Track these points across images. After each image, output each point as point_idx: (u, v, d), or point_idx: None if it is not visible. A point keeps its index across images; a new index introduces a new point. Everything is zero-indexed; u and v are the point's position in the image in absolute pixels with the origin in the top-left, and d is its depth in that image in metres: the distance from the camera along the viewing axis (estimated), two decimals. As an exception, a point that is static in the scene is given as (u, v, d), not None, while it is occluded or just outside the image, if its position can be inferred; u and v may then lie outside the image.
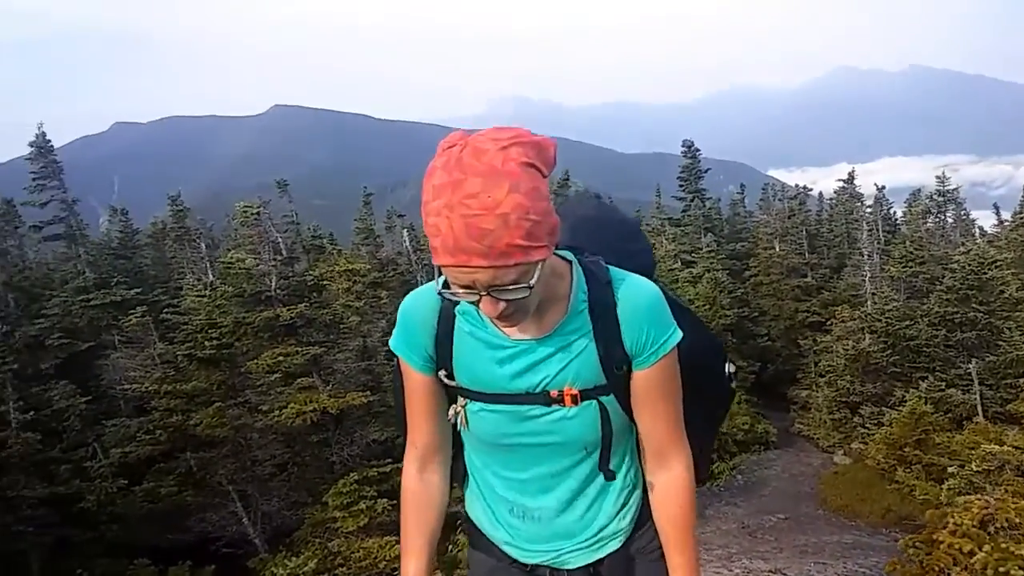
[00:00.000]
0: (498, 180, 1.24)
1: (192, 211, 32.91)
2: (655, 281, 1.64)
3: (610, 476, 1.69)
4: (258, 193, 23.40)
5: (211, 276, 23.69)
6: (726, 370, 1.90)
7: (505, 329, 1.54)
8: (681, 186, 35.52)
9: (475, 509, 1.85)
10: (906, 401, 18.38)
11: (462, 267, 1.30)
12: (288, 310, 16.35)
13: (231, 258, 17.89)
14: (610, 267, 1.56)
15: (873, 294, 24.82)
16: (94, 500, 15.06)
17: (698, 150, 34.91)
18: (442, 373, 1.62)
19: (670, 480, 1.65)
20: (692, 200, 35.21)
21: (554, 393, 1.55)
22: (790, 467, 21.04)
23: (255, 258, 17.25)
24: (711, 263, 28.89)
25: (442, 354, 1.61)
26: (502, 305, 1.37)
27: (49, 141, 23.27)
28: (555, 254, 1.53)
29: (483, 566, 1.86)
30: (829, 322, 26.52)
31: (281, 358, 16.63)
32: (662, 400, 1.59)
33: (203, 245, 26.13)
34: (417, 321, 1.62)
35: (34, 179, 23.27)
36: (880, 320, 22.26)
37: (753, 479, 19.81)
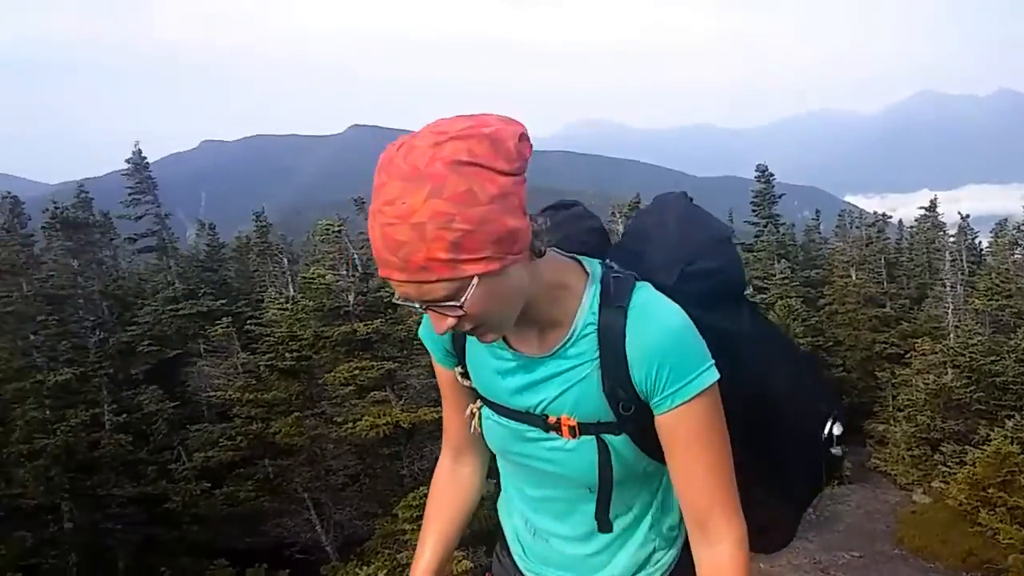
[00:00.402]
0: (418, 184, 1.05)
1: (274, 226, 34.11)
2: (739, 302, 1.44)
3: (605, 527, 1.47)
4: (336, 210, 24.18)
5: (292, 290, 24.50)
6: (825, 430, 1.52)
7: (510, 339, 1.38)
8: (754, 211, 35.08)
9: (501, 513, 1.72)
10: (990, 440, 17.72)
11: (389, 279, 1.14)
12: (364, 325, 16.85)
13: (312, 273, 18.56)
14: (639, 286, 1.31)
15: (956, 327, 24.01)
16: (179, 501, 15.73)
17: (772, 174, 34.46)
18: (458, 370, 1.49)
19: (713, 559, 1.34)
20: (765, 226, 34.72)
21: (552, 420, 1.37)
22: (865, 503, 20.48)
23: (334, 274, 17.87)
24: (784, 290, 28.44)
25: (458, 351, 1.47)
26: (449, 321, 1.18)
27: (144, 157, 24.56)
28: (578, 262, 1.35)
29: (500, 571, 1.73)
30: (908, 354, 25.73)
31: (357, 372, 17.13)
32: (691, 458, 1.30)
33: (285, 260, 27.07)
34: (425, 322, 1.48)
35: (130, 194, 24.55)
36: (964, 355, 21.53)
37: (826, 514, 19.35)
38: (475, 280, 1.11)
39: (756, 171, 34.70)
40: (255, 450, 17.69)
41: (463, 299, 1.12)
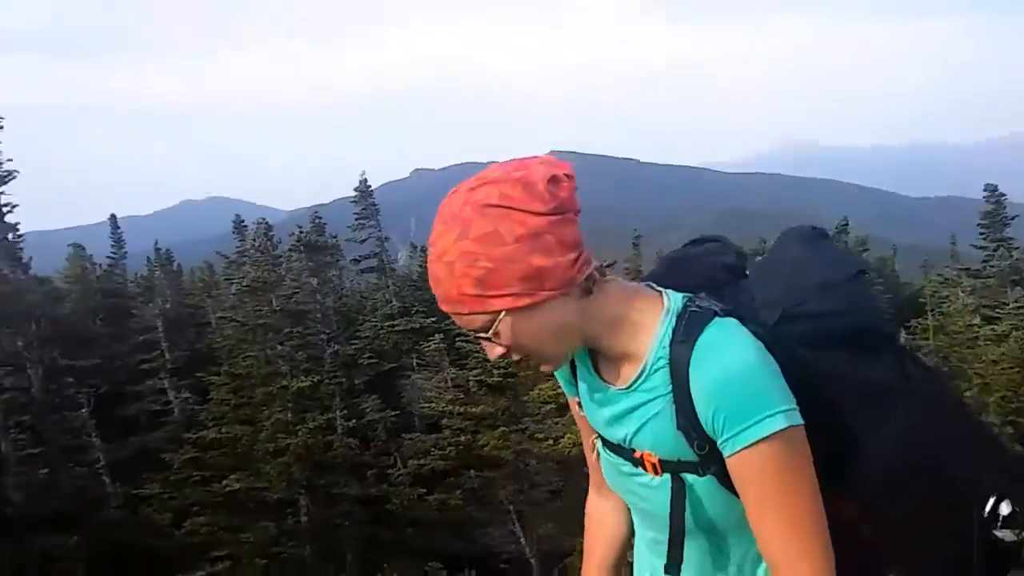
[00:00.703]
0: (451, 226, 1.16)
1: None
2: (872, 348, 1.30)
3: (673, 572, 1.36)
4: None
5: (498, 309, 25.59)
6: (987, 507, 1.28)
7: (601, 370, 1.38)
8: (982, 234, 32.02)
9: (635, 554, 1.62)
10: None
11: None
12: (570, 344, 17.29)
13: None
14: (716, 322, 1.24)
15: None
16: (399, 504, 16.91)
17: (1003, 194, 31.38)
18: (577, 399, 1.45)
19: None
20: (996, 249, 31.58)
21: (637, 454, 1.33)
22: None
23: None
24: (1020, 320, 25.73)
25: (576, 379, 1.45)
26: (498, 350, 1.23)
27: (369, 186, 26.84)
28: (661, 295, 1.31)
29: None
30: None
31: (557, 391, 17.62)
32: (759, 505, 1.22)
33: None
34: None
35: (356, 218, 26.90)
36: None
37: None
38: (503, 314, 1.18)
39: (985, 191, 31.78)
40: (463, 461, 18.62)
41: (491, 331, 1.19)
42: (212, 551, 15.30)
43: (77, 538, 14.27)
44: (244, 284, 19.95)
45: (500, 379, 18.82)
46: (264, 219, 24.00)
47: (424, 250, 34.52)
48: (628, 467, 1.36)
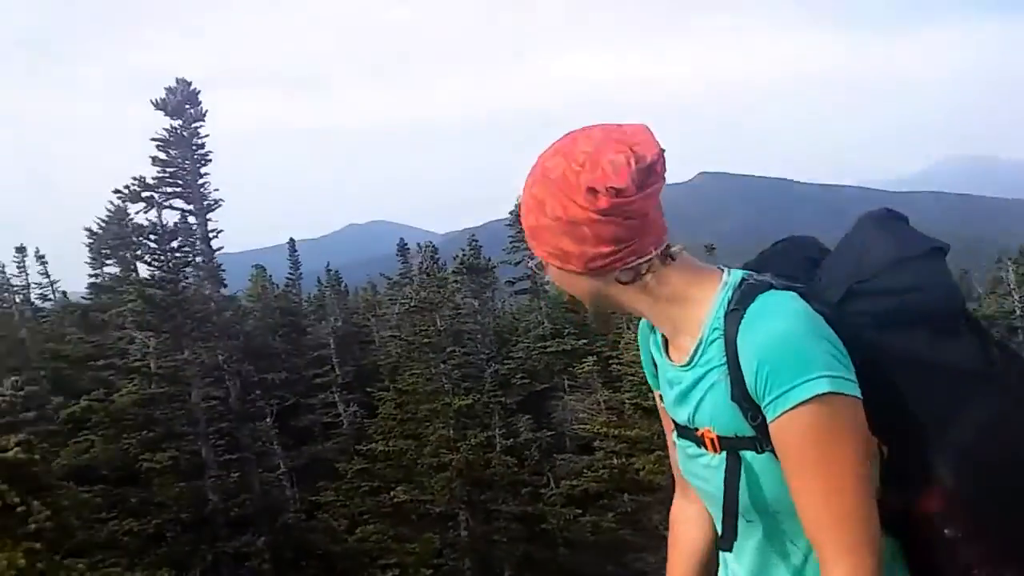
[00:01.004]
0: (530, 174, 1.27)
1: (628, 272, 35.69)
2: (951, 331, 1.23)
3: (727, 546, 1.32)
4: (687, 254, 24.74)
5: (649, 332, 25.53)
6: None
7: (670, 350, 1.37)
8: None
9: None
10: None
11: None
12: (719, 371, 17.08)
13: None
14: (769, 293, 1.23)
15: None
16: (554, 523, 17.21)
17: None
18: (658, 392, 1.42)
19: None
20: None
21: (699, 432, 1.30)
22: None
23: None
24: None
25: (655, 369, 1.42)
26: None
27: (524, 209, 27.57)
28: (721, 272, 1.30)
29: None
30: None
31: (716, 416, 17.41)
32: (799, 475, 1.18)
33: (644, 303, 28.34)
34: (644, 328, 1.43)
35: (511, 241, 27.70)
36: None
37: None
38: (544, 260, 1.28)
39: None
40: (616, 483, 18.66)
41: (544, 269, 1.30)
42: (381, 559, 16.18)
43: (263, 539, 15.52)
44: (411, 304, 21.05)
45: (656, 403, 18.77)
46: (430, 243, 25.32)
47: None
48: (693, 448, 1.33)
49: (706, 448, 1.28)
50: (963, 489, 1.18)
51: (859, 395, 1.15)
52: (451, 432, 17.19)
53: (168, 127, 17.97)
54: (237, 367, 17.35)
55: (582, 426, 20.52)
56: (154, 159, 18.01)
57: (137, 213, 18.82)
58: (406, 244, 35.45)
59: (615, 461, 18.49)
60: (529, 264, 1.39)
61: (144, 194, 17.85)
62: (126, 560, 13.40)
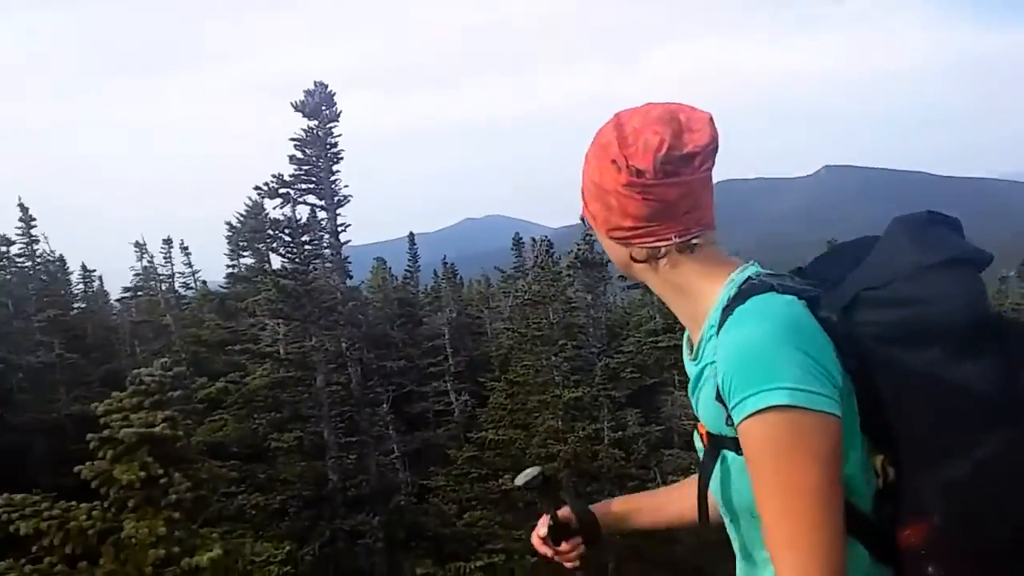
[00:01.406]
0: (595, 133, 1.31)
1: (745, 267, 34.90)
2: (970, 349, 1.10)
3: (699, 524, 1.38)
4: (808, 251, 23.98)
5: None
6: None
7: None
8: None
9: None
10: None
11: None
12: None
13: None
14: (763, 296, 1.18)
15: None
16: (663, 519, 17.21)
17: None
18: None
19: None
20: None
21: (698, 426, 1.29)
22: None
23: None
24: None
25: None
26: None
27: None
28: (736, 267, 1.28)
29: None
30: None
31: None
32: (756, 484, 1.13)
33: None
34: None
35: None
36: None
37: None
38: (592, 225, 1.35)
39: None
40: (721, 483, 18.47)
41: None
42: (488, 544, 16.68)
43: (377, 518, 16.30)
44: (524, 297, 21.45)
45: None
46: (546, 237, 25.64)
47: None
48: (697, 440, 1.31)
49: (702, 443, 1.28)
50: (950, 529, 1.09)
51: (834, 412, 1.09)
52: (560, 423, 17.48)
53: (305, 128, 18.96)
54: (358, 355, 18.25)
55: (690, 422, 20.34)
56: (291, 158, 19.07)
57: (273, 208, 19.98)
58: (521, 238, 35.95)
59: (723, 459, 18.31)
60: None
61: (281, 190, 18.96)
62: (252, 532, 14.43)
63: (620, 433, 18.46)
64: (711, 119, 1.24)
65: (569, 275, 23.51)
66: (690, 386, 1.32)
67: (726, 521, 1.31)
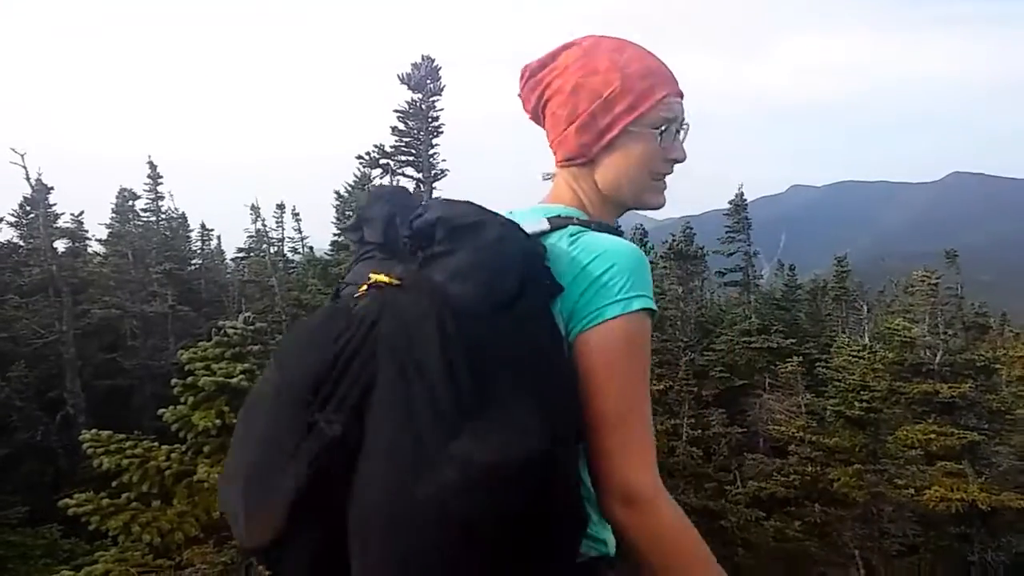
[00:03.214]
0: None
1: (852, 272, 33.51)
2: None
3: None
4: (923, 261, 22.73)
5: (866, 339, 23.88)
6: None
7: None
8: None
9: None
10: None
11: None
12: (949, 388, 15.64)
13: (895, 324, 17.90)
14: None
15: None
16: (734, 522, 16.79)
17: None
18: None
19: None
20: None
21: None
22: None
23: (920, 328, 16.97)
24: None
25: None
26: None
27: (745, 200, 26.70)
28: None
29: None
30: None
31: (931, 436, 16.01)
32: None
33: (864, 307, 26.47)
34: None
35: (727, 231, 26.96)
36: None
37: None
38: None
39: None
40: (807, 492, 17.80)
41: None
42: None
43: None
44: (613, 287, 21.19)
45: (861, 413, 17.63)
46: (640, 225, 25.34)
47: (792, 268, 33.27)
48: None
49: None
50: (371, 532, 1.05)
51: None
52: (637, 415, 17.22)
53: (409, 100, 19.31)
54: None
55: (777, 427, 19.70)
56: (393, 129, 19.46)
57: (375, 179, 20.47)
58: (620, 228, 35.57)
59: (809, 468, 17.64)
60: None
61: (381, 161, 19.36)
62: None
63: (700, 431, 18.05)
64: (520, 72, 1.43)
65: (665, 267, 23.13)
66: None
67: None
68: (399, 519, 1.01)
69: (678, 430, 17.51)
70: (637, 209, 1.47)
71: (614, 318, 1.18)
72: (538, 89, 1.40)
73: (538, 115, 1.44)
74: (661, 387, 17.54)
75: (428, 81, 19.14)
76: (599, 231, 1.29)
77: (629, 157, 1.36)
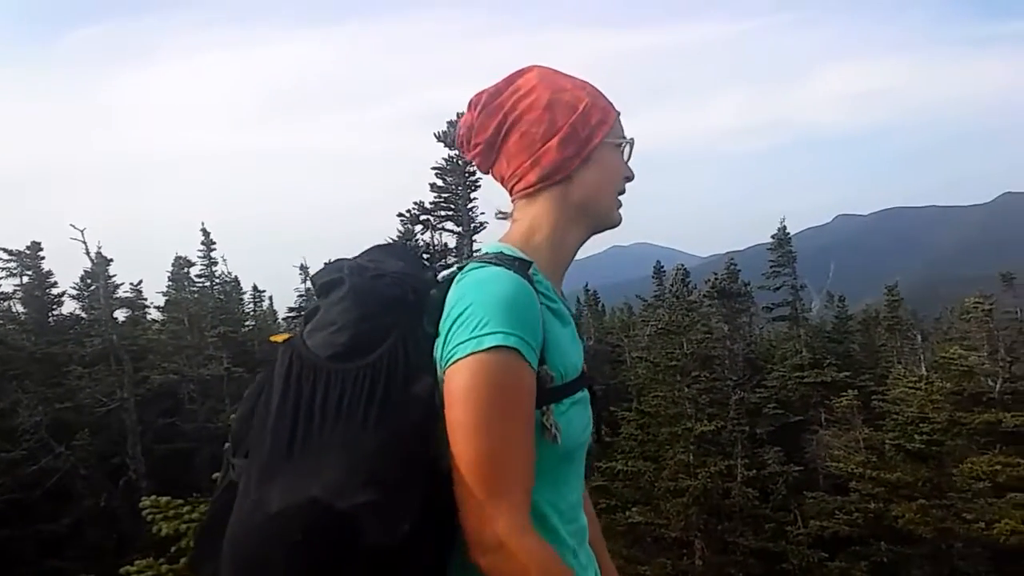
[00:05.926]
0: None
1: (904, 301, 32.77)
2: None
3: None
4: (977, 285, 22.19)
5: (923, 369, 23.26)
6: None
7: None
8: None
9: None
10: None
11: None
12: (1012, 416, 15.17)
13: (952, 353, 17.49)
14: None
15: None
16: (796, 564, 16.37)
17: None
18: (544, 368, 1.27)
19: None
20: None
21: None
22: None
23: (977, 355, 16.56)
24: None
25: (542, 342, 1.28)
26: None
27: (788, 233, 26.51)
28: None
29: None
30: None
31: (998, 467, 15.50)
32: None
33: (918, 336, 25.86)
34: (533, 303, 1.26)
35: (771, 266, 26.71)
36: None
37: None
38: None
39: None
40: (871, 530, 17.28)
41: None
42: (613, 576, 16.45)
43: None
44: (659, 327, 21.20)
45: (923, 446, 17.14)
46: (682, 265, 25.32)
47: (842, 299, 32.70)
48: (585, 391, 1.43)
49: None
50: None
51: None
52: (691, 458, 17.03)
53: (446, 156, 19.78)
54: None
55: (836, 464, 19.21)
56: (432, 185, 19.90)
57: (417, 235, 20.91)
58: (662, 266, 35.53)
59: (871, 505, 17.13)
60: None
61: (422, 217, 19.78)
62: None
63: (755, 471, 17.72)
64: (470, 103, 1.43)
65: (710, 305, 22.98)
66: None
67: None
68: (233, 549, 1.15)
69: (732, 471, 17.22)
70: (603, 228, 1.48)
71: (463, 358, 1.18)
72: (498, 115, 1.39)
73: (492, 146, 1.42)
74: (712, 427, 17.30)
75: (464, 137, 19.57)
76: (497, 265, 1.29)
77: (605, 170, 1.41)
